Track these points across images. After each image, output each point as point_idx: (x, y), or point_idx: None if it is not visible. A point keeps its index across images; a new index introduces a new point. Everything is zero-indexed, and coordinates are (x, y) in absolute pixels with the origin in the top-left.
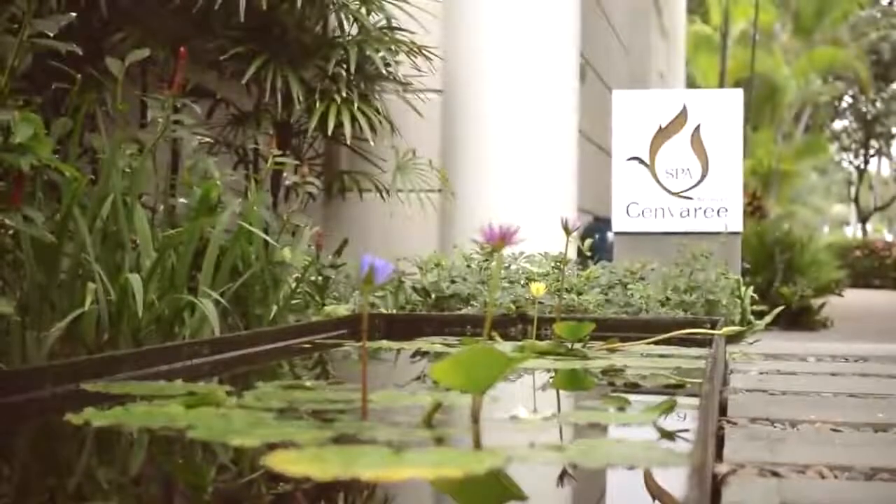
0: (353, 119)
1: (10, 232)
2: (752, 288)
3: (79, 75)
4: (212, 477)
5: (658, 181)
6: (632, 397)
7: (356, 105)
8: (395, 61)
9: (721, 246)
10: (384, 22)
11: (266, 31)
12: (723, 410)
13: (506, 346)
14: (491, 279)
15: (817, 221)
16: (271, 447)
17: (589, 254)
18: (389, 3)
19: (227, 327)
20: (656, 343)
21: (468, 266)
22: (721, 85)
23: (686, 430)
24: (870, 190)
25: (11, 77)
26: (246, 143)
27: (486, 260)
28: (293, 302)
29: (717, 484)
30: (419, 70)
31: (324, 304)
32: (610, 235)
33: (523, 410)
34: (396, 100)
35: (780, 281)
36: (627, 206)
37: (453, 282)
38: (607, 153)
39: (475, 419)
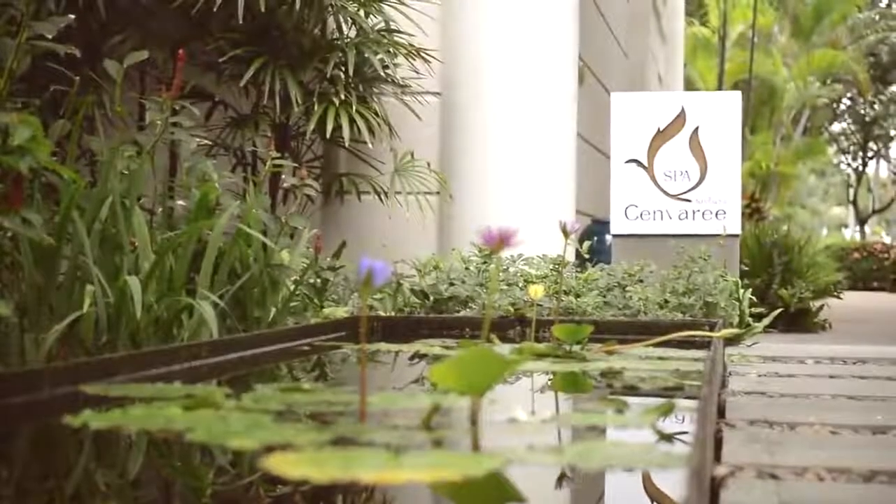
0: (352, 121)
1: (9, 234)
2: (750, 290)
3: (77, 77)
4: (210, 479)
5: (656, 183)
6: (630, 400)
7: (354, 107)
8: (394, 64)
9: (719, 248)
10: (383, 24)
11: (264, 33)
12: (721, 413)
13: (504, 349)
14: (489, 281)
15: (816, 223)
16: (270, 449)
17: (587, 256)
18: (388, 5)
19: (226, 329)
20: (655, 345)
21: (466, 268)
22: (719, 87)
23: (684, 433)
24: (868, 192)
25: (10, 79)
26: (244, 145)
27: (485, 262)
28: (292, 304)
29: (716, 486)
30: (418, 73)
31: (322, 307)
32: (608, 238)
33: (522, 413)
34: (395, 102)
35: (778, 283)
36: (626, 209)
37: (452, 284)
38: (606, 155)
39: (474, 421)
